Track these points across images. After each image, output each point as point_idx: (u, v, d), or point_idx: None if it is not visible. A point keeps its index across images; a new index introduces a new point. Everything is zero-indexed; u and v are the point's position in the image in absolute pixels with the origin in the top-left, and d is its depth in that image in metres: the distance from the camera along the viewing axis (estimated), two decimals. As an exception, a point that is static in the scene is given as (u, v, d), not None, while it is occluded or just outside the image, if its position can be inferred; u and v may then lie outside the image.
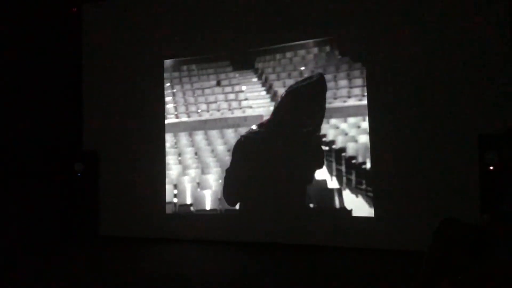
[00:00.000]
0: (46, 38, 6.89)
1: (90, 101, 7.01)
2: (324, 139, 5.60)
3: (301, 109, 5.80)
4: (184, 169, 6.42)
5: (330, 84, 5.64)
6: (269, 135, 5.91)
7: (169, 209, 6.42)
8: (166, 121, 6.51)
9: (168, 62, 6.60)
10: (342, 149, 5.50)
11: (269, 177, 5.83)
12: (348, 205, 5.40)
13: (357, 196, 5.37)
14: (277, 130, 5.88)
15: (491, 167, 4.49)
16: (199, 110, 6.41)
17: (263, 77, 6.09)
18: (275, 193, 5.77)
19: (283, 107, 5.90)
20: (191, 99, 6.47)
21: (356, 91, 5.50)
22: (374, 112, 5.31)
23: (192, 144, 6.42)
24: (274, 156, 5.84)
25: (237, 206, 6.01)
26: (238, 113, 6.17)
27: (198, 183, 6.31)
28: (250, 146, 6.01)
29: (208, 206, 6.20)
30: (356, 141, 5.46)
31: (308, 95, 5.79)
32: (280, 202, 5.73)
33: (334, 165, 5.52)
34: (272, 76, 6.04)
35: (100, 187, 6.77)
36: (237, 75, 6.24)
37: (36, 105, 6.70)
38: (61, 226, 6.62)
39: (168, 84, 6.58)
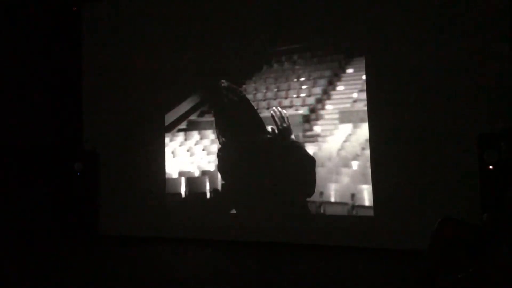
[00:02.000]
0: (46, 37, 6.90)
1: (90, 101, 7.01)
2: (325, 143, 5.57)
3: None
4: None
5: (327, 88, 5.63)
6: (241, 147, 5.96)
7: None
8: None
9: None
10: (342, 150, 5.49)
11: (265, 179, 5.84)
12: (347, 204, 5.39)
13: (356, 195, 5.35)
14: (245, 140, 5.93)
15: (491, 166, 4.48)
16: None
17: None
18: (274, 192, 5.77)
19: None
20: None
21: (355, 92, 5.48)
22: (374, 113, 5.30)
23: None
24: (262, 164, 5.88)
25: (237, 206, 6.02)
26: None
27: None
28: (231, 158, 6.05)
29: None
30: (355, 141, 5.44)
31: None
32: (279, 201, 5.73)
33: (333, 165, 5.52)
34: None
35: (100, 187, 6.77)
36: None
37: (36, 105, 6.71)
38: (61, 226, 6.62)
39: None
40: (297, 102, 5.81)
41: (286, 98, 5.89)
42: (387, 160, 5.20)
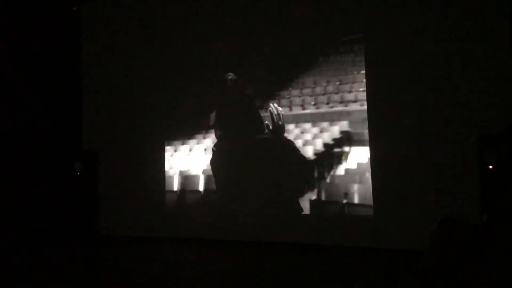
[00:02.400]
0: (46, 37, 6.89)
1: (90, 101, 7.00)
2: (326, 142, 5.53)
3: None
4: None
5: (329, 88, 5.59)
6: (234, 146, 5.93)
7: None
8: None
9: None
10: (342, 150, 5.47)
11: (260, 179, 5.84)
12: (347, 203, 5.38)
13: (356, 195, 5.35)
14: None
15: (491, 166, 4.48)
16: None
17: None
18: (271, 192, 5.76)
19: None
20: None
21: (355, 92, 5.45)
22: (373, 113, 5.29)
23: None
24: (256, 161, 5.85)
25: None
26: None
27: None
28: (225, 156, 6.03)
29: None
30: (355, 141, 5.43)
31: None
32: (278, 201, 5.73)
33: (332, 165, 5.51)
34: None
35: (100, 186, 6.76)
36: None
37: (36, 104, 6.71)
38: (61, 226, 6.61)
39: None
40: (363, 96, 5.23)
41: (350, 92, 5.30)
42: (387, 160, 5.20)
